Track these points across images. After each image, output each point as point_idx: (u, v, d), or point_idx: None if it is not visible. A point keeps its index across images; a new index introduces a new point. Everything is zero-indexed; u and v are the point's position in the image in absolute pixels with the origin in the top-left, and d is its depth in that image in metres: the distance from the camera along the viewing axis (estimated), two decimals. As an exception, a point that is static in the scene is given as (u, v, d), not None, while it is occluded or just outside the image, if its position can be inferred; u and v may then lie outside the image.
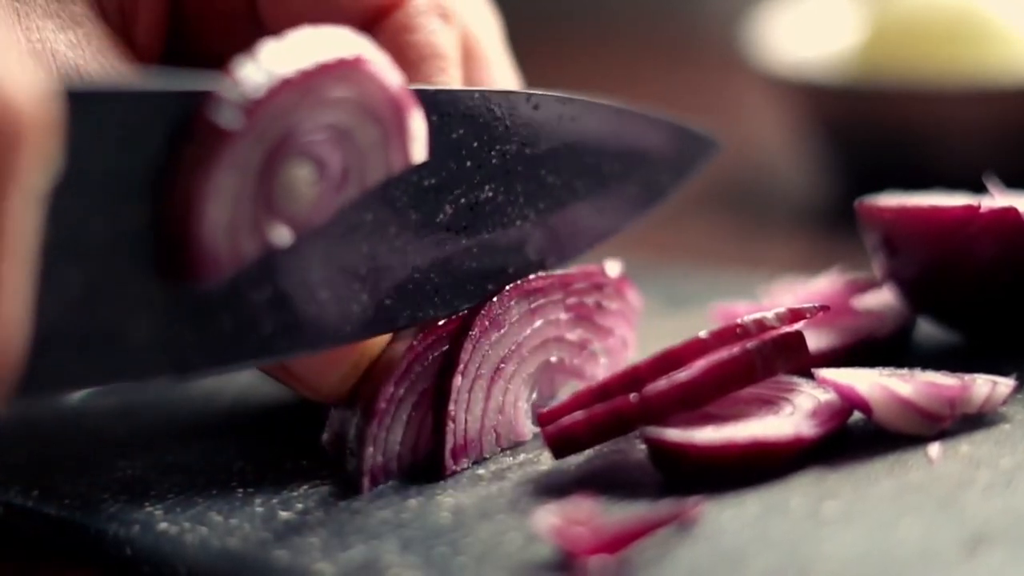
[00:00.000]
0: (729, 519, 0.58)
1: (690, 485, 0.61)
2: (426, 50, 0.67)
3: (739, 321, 0.64)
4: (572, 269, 0.70)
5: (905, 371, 0.67)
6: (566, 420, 0.63)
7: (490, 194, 0.66)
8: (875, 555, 0.55)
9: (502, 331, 0.67)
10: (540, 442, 0.66)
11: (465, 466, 0.65)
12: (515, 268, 0.67)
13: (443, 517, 0.61)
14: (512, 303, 0.67)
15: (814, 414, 0.64)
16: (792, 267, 0.88)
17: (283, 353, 0.60)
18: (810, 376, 0.66)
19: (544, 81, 0.73)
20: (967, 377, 0.65)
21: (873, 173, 1.15)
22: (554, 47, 1.79)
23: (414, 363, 0.65)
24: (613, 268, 0.71)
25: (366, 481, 0.63)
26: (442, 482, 0.64)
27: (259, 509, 0.62)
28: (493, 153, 0.66)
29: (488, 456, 0.66)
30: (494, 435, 0.67)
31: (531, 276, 0.68)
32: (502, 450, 0.67)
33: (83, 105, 0.53)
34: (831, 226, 1.14)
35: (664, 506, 0.59)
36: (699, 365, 0.63)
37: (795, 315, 0.65)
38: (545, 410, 0.65)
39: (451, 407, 0.65)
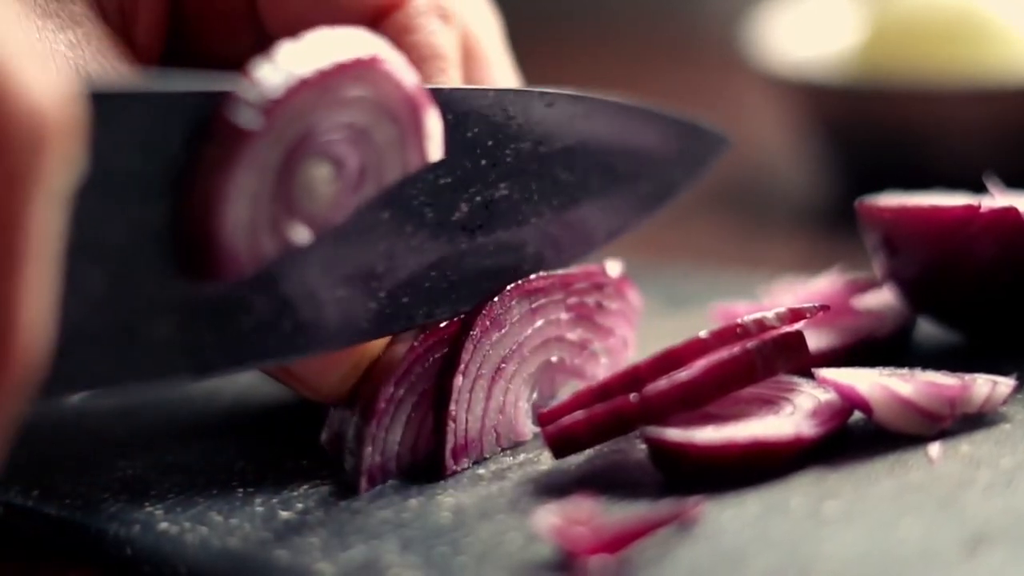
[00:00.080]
0: (729, 519, 0.58)
1: (690, 485, 0.61)
2: (426, 51, 0.67)
3: (739, 321, 0.64)
4: (573, 269, 0.70)
5: (905, 371, 0.67)
6: (566, 420, 0.63)
7: (505, 192, 0.66)
8: (875, 555, 0.55)
9: (503, 331, 0.67)
10: (540, 442, 0.66)
11: (465, 466, 0.65)
12: (530, 265, 0.68)
13: (443, 517, 0.61)
14: (513, 303, 0.67)
15: (814, 414, 0.64)
16: (792, 267, 0.88)
17: (302, 351, 0.61)
18: (810, 376, 0.66)
19: (544, 81, 0.73)
20: (967, 377, 0.65)
21: (873, 173, 1.15)
22: (554, 47, 1.79)
23: (415, 364, 0.65)
24: (614, 268, 0.71)
25: (364, 481, 0.63)
26: (442, 482, 0.64)
27: (259, 509, 0.62)
28: (508, 151, 0.66)
29: (488, 456, 0.66)
30: (494, 435, 0.67)
31: (532, 276, 0.68)
32: (502, 450, 0.67)
33: (104, 107, 0.53)
34: (831, 226, 1.14)
35: (664, 506, 0.59)
36: (699, 365, 0.63)
37: (795, 315, 0.65)
38: (545, 410, 0.65)
39: (452, 407, 0.65)
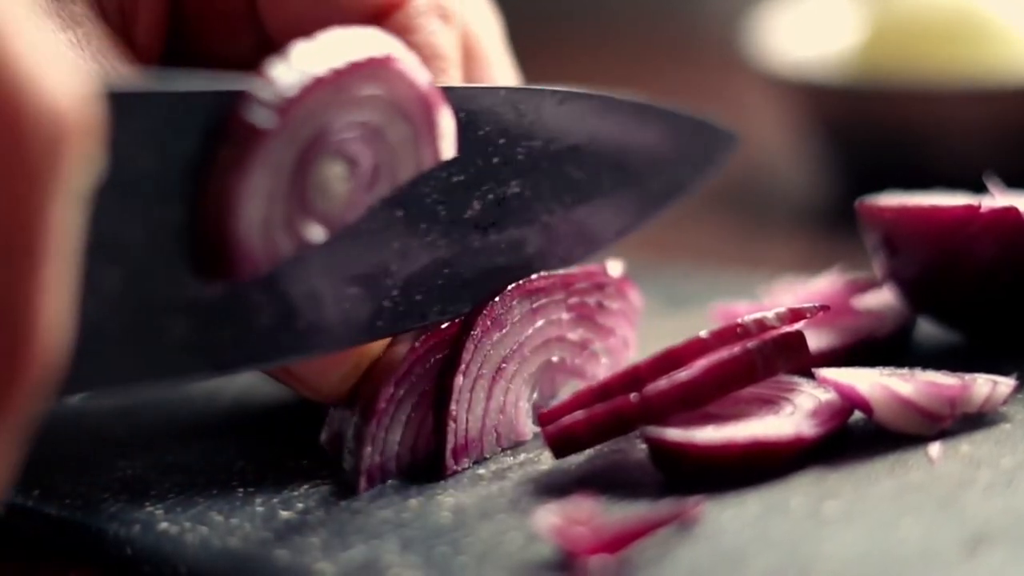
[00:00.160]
0: (730, 519, 0.58)
1: (691, 485, 0.61)
2: (426, 51, 0.67)
3: (740, 321, 0.64)
4: (574, 269, 0.70)
5: (905, 371, 0.67)
6: (567, 420, 0.63)
7: (517, 190, 0.67)
8: (876, 555, 0.55)
9: (504, 331, 0.67)
10: (541, 442, 0.66)
11: (466, 466, 0.65)
12: (541, 262, 0.68)
13: (444, 517, 0.61)
14: (514, 303, 0.67)
15: (815, 414, 0.64)
16: (792, 267, 0.88)
17: (317, 349, 0.61)
18: (810, 376, 0.66)
19: (544, 81, 0.73)
20: (967, 377, 0.65)
21: (873, 173, 1.15)
22: (554, 47, 1.79)
23: (416, 364, 0.65)
24: (615, 268, 0.71)
25: (363, 480, 0.63)
26: (443, 482, 0.64)
27: (260, 509, 0.62)
28: (519, 149, 0.66)
29: (489, 456, 0.66)
30: (495, 435, 0.67)
31: (533, 276, 0.68)
32: (503, 450, 0.67)
33: (120, 106, 0.53)
34: (831, 226, 1.14)
35: (664, 506, 0.59)
36: (700, 365, 0.63)
37: (795, 315, 0.65)
38: (546, 410, 0.65)
39: (453, 407, 0.65)
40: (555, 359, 0.69)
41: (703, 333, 0.64)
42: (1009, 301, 0.72)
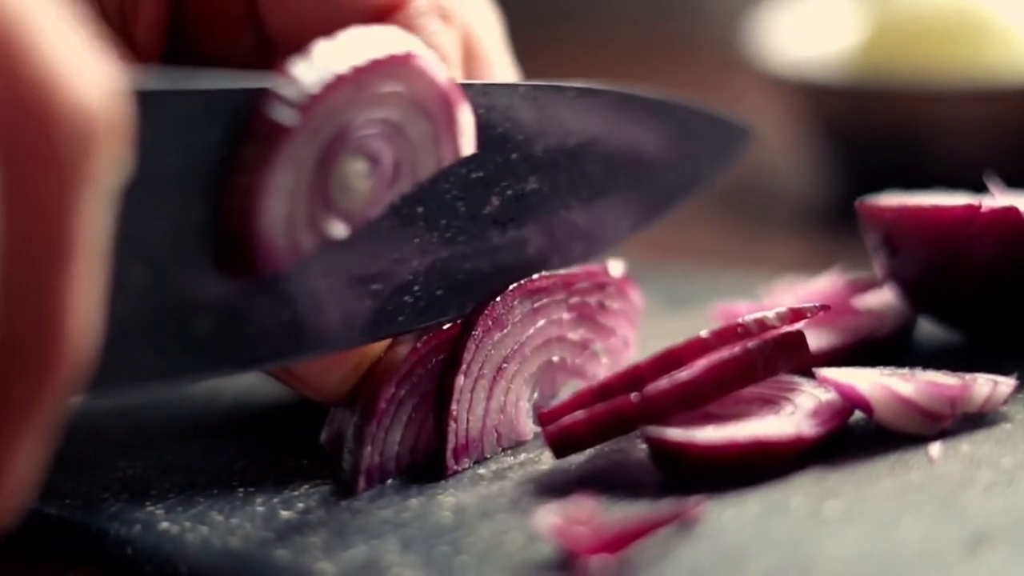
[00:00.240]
0: (730, 518, 0.58)
1: (691, 484, 0.61)
2: (426, 51, 0.67)
3: (740, 321, 0.64)
4: (575, 269, 0.70)
5: (906, 370, 0.67)
6: (567, 419, 0.63)
7: (535, 186, 0.67)
8: (876, 555, 0.55)
9: (505, 331, 0.67)
10: (541, 441, 0.66)
11: (466, 465, 0.65)
12: (559, 258, 0.69)
13: (444, 516, 0.61)
14: (515, 303, 0.67)
15: (815, 413, 0.64)
16: (793, 267, 0.88)
17: (341, 344, 0.62)
18: (811, 375, 0.66)
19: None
20: (968, 376, 0.65)
21: (873, 173, 1.15)
22: (554, 47, 1.79)
23: (417, 365, 0.65)
24: (616, 268, 0.71)
25: (362, 480, 0.63)
26: (443, 482, 0.64)
27: (260, 508, 0.62)
28: (537, 145, 0.67)
29: (489, 456, 0.66)
30: (495, 435, 0.67)
31: (534, 275, 0.68)
32: (503, 449, 0.67)
33: (145, 103, 0.53)
34: (831, 226, 1.14)
35: (665, 505, 0.59)
36: (700, 364, 0.63)
37: (796, 315, 0.65)
38: (546, 410, 0.65)
39: (453, 407, 0.65)
40: (556, 359, 0.69)
41: (704, 333, 0.64)
42: (1009, 301, 0.72)
